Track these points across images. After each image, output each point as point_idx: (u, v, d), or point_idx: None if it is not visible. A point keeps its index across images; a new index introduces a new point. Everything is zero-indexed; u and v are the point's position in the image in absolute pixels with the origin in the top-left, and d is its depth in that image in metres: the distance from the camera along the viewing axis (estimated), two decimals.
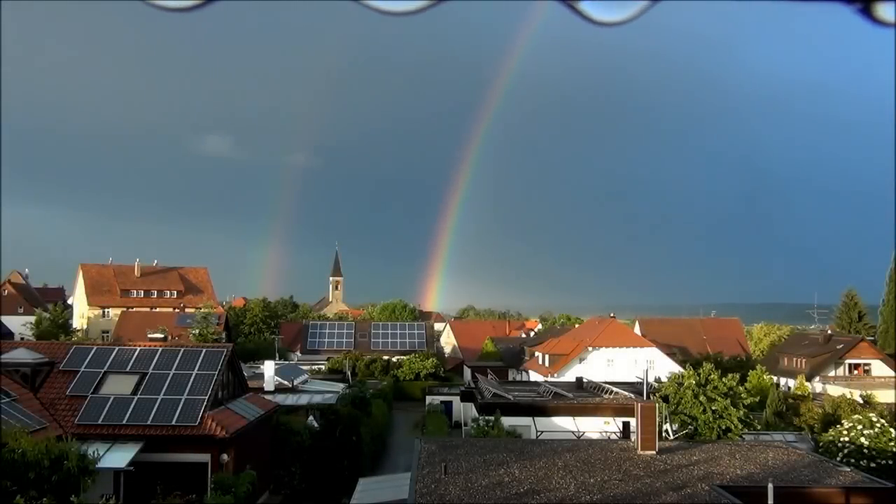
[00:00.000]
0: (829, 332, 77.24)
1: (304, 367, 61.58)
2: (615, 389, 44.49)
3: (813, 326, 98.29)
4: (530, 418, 40.53)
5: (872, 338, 73.30)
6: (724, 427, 35.98)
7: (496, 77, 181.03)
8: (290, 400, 43.53)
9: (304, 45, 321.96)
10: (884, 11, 1.26)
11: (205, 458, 28.10)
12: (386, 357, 77.11)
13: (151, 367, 30.92)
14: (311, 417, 39.91)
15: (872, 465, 31.26)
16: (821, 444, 35.53)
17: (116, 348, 33.05)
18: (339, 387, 51.57)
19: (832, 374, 65.50)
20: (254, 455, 31.16)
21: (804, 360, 67.87)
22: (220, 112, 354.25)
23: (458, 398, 52.71)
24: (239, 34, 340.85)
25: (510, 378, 67.10)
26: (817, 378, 64.57)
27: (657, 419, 27.63)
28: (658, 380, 46.39)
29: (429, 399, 56.57)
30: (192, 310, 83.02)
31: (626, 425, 37.84)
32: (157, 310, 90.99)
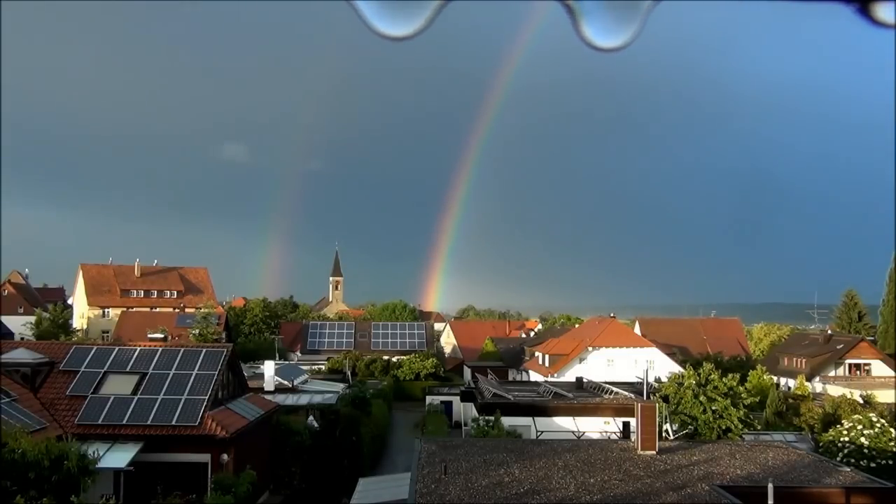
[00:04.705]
0: (829, 332, 77.20)
1: (304, 367, 61.54)
2: (615, 389, 44.49)
3: (813, 326, 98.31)
4: (530, 418, 40.53)
5: (872, 338, 73.27)
6: (724, 427, 35.97)
7: (497, 79, 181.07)
8: (290, 400, 43.52)
9: (305, 50, 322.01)
10: (883, 12, 1.26)
11: (205, 458, 28.11)
12: (386, 357, 77.11)
13: (151, 367, 30.93)
14: (311, 417, 39.91)
15: (872, 465, 31.27)
16: (821, 444, 35.53)
17: (116, 348, 33.06)
18: (339, 387, 51.54)
19: (832, 374, 65.50)
20: (254, 455, 31.15)
21: (804, 360, 67.86)
22: (221, 114, 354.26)
23: (458, 398, 52.70)
24: (241, 37, 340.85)
25: (510, 378, 67.09)
26: (817, 378, 64.57)
27: (657, 419, 27.63)
28: (658, 380, 46.39)
29: (429, 399, 56.56)
30: (192, 310, 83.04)
31: (626, 425, 37.87)
32: (157, 310, 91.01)
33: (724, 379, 37.58)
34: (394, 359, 76.53)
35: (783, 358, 72.88)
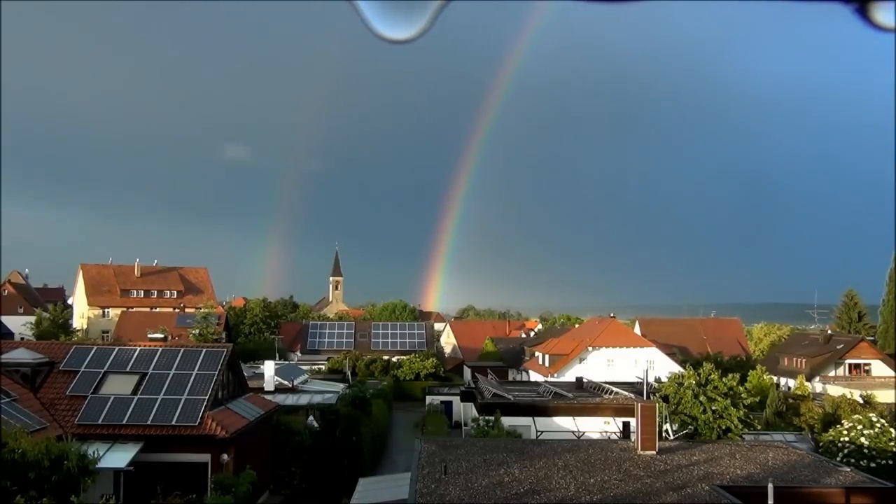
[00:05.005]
0: (829, 332, 77.19)
1: (304, 367, 61.53)
2: (615, 389, 44.49)
3: (813, 326, 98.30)
4: (530, 418, 40.53)
5: (872, 338, 73.27)
6: (724, 427, 35.97)
7: (497, 79, 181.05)
8: (290, 400, 43.52)
9: (306, 50, 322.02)
10: (881, 16, 1.26)
11: (205, 458, 28.10)
12: (386, 357, 77.11)
13: (151, 367, 30.93)
14: (311, 417, 39.90)
15: (872, 465, 31.28)
16: (821, 444, 35.54)
17: (116, 348, 33.05)
18: (339, 387, 51.54)
19: (832, 374, 65.49)
20: (254, 455, 31.16)
21: (804, 360, 67.85)
22: (222, 114, 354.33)
23: (458, 398, 52.70)
24: (242, 38, 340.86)
25: (510, 378, 67.08)
26: (817, 378, 64.56)
27: (657, 419, 27.63)
28: (658, 380, 46.39)
29: (429, 399, 56.54)
30: (192, 310, 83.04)
31: (626, 425, 37.87)
32: (157, 310, 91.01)
33: (724, 379, 37.57)
34: (394, 359, 76.51)
35: (783, 358, 72.87)
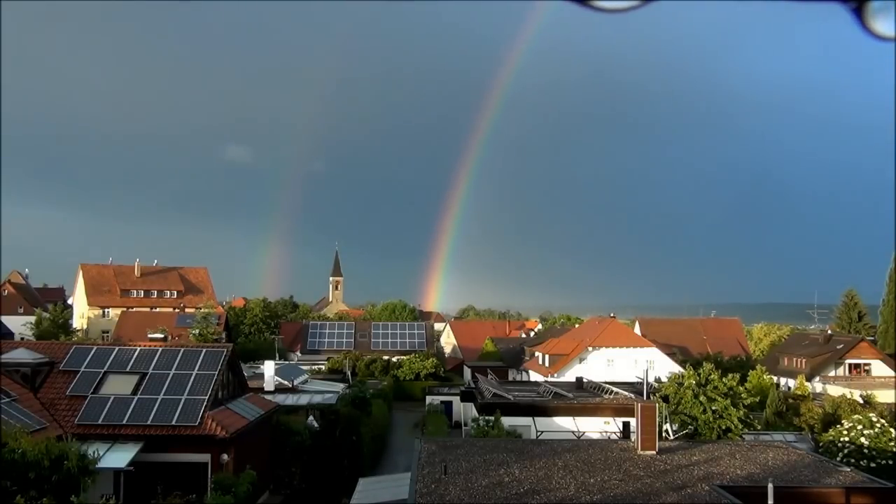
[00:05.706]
0: (829, 332, 77.19)
1: (304, 367, 61.52)
2: (615, 389, 44.49)
3: (813, 326, 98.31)
4: (530, 418, 40.53)
5: (872, 338, 73.27)
6: (724, 427, 35.96)
7: (497, 80, 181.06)
8: (290, 400, 43.52)
9: (307, 51, 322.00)
10: (879, 24, 1.26)
11: (205, 458, 28.11)
12: (386, 357, 77.11)
13: (151, 367, 30.93)
14: (311, 417, 39.90)
15: (872, 465, 31.27)
16: (821, 444, 35.54)
17: (116, 348, 33.05)
18: (339, 387, 51.53)
19: (832, 374, 65.49)
20: (254, 455, 31.16)
21: (804, 360, 67.85)
22: (223, 114, 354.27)
23: (458, 398, 52.70)
24: (243, 39, 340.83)
25: (510, 378, 67.08)
26: (817, 378, 64.55)
27: (657, 419, 27.61)
28: (658, 380, 46.40)
29: (429, 399, 56.55)
30: (192, 310, 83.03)
31: (626, 425, 37.87)
32: (157, 310, 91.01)
33: (724, 379, 37.56)
34: (394, 359, 76.52)
35: (783, 358, 72.85)
